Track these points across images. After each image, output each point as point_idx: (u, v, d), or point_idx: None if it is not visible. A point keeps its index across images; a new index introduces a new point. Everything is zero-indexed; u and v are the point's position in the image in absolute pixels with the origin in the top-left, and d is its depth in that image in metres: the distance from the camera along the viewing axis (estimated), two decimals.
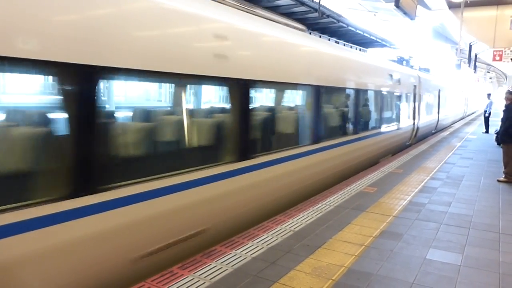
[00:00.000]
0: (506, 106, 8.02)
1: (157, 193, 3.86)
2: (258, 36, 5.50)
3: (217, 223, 4.71)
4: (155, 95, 6.22)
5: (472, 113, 41.29)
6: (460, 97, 28.68)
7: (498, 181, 7.76)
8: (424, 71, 17.79)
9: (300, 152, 6.34)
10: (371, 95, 9.78)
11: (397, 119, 12.13)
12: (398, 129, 12.23)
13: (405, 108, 12.81)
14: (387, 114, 11.00)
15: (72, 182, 3.14)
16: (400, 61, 15.10)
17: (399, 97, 12.12)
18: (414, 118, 13.95)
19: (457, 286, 3.46)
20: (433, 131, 18.70)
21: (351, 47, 11.31)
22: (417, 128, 14.62)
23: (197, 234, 4.37)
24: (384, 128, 10.80)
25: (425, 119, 16.05)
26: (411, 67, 15.78)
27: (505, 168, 7.91)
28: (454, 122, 25.94)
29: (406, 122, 12.97)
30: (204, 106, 5.52)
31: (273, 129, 6.18)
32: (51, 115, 3.24)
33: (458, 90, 27.46)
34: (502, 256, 4.13)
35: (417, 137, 15.01)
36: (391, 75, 11.03)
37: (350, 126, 8.65)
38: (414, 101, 13.89)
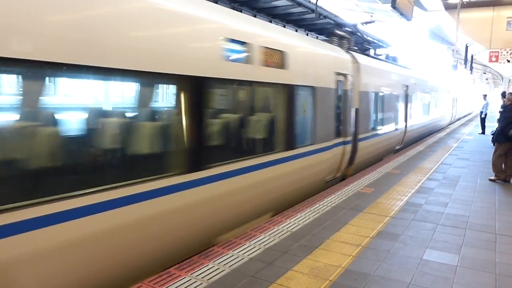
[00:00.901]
0: (505, 106, 8.07)
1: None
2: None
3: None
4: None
5: (464, 116, 34.83)
6: (446, 97, 21.98)
7: (490, 180, 7.95)
8: (388, 61, 12.64)
9: None
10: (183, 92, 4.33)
11: (280, 140, 5.98)
12: (288, 158, 6.07)
13: (314, 117, 6.89)
14: (249, 132, 5.52)
15: None
16: (327, 36, 9.55)
17: (286, 97, 6.02)
18: (344, 133, 8.14)
19: (454, 286, 3.47)
20: (397, 147, 12.78)
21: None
22: (355, 149, 8.75)
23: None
24: (242, 160, 5.09)
25: (376, 131, 10.31)
26: (365, 52, 10.80)
27: (493, 167, 8.07)
28: (435, 130, 19.67)
29: (317, 143, 6.96)
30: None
31: None
32: None
33: (442, 88, 20.65)
34: (498, 257, 4.15)
35: (359, 163, 9.17)
36: (246, 46, 5.14)
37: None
38: (344, 104, 8.16)
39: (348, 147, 8.40)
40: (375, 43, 12.60)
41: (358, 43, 10.83)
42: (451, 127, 21.74)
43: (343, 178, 8.46)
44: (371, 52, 12.69)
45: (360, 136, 9.03)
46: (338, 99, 7.95)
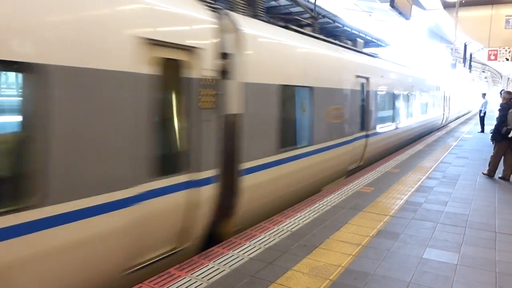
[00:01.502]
0: (501, 105, 8.17)
1: None
2: None
3: None
4: None
5: (462, 116, 32.07)
6: (435, 96, 18.29)
7: (483, 173, 8.26)
8: (332, 41, 8.42)
9: None
10: None
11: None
12: None
13: (41, 142, 2.89)
14: None
15: None
16: None
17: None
18: (191, 164, 4.25)
19: (454, 285, 3.47)
20: (352, 166, 8.91)
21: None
22: (234, 190, 4.95)
23: None
24: None
25: (294, 151, 6.21)
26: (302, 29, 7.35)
27: (489, 165, 8.19)
28: (419, 137, 15.65)
29: (57, 201, 2.98)
30: None
31: None
32: None
33: (428, 84, 16.95)
34: (498, 255, 4.15)
35: (257, 207, 5.49)
36: None
37: None
38: (187, 107, 4.24)
39: (207, 191, 4.41)
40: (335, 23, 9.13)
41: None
42: (450, 126, 21.68)
43: (217, 239, 4.73)
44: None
45: (250, 165, 5.10)
46: (164, 99, 4.05)
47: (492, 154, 8.17)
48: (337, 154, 7.84)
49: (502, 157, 8.04)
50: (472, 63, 25.30)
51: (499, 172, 8.05)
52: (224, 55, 4.75)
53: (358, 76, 8.80)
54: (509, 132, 7.66)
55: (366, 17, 18.13)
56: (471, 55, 23.29)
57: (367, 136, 9.40)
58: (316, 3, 8.22)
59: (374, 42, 11.98)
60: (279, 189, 5.96)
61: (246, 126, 5.02)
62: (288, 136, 6.11)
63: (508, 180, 7.84)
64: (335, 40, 8.82)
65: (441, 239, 4.58)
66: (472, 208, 5.83)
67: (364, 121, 9.27)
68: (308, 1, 8.14)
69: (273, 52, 5.80)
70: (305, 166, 6.56)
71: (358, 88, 8.87)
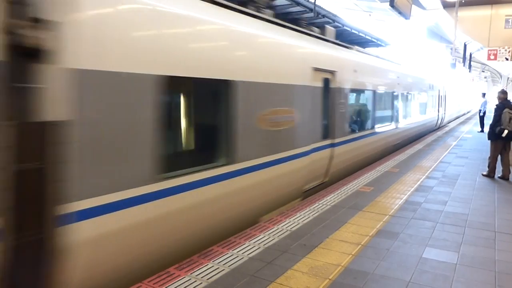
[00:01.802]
0: (497, 105, 8.27)
1: None
2: None
3: None
4: None
5: (462, 115, 30.82)
6: (428, 95, 16.71)
7: (483, 174, 8.22)
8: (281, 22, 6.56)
9: None
10: None
11: None
12: None
13: None
14: None
15: None
16: None
17: None
18: None
19: (453, 284, 3.47)
20: (310, 185, 6.95)
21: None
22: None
23: None
24: None
25: (191, 175, 4.19)
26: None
27: (488, 166, 8.21)
28: (410, 141, 14.30)
29: None
30: None
31: None
32: None
33: (419, 82, 15.29)
34: (498, 255, 4.16)
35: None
36: None
37: None
38: None
39: None
40: None
41: None
42: (450, 126, 21.66)
43: None
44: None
45: (92, 204, 3.22)
46: None
47: (490, 155, 8.20)
48: (282, 172, 5.87)
49: (499, 156, 8.09)
50: (471, 62, 25.29)
51: (498, 172, 8.07)
52: (37, 22, 2.87)
53: (317, 69, 6.85)
54: (503, 132, 7.71)
55: (366, 17, 18.12)
56: (470, 54, 23.28)
57: (333, 145, 7.49)
58: (316, 3, 8.20)
59: (374, 42, 11.98)
60: (167, 233, 3.97)
61: (81, 141, 3.11)
62: (181, 155, 4.43)
63: (507, 179, 7.85)
64: (290, 23, 7.00)
65: (441, 238, 4.58)
66: (472, 208, 5.83)
67: (329, 127, 7.43)
68: (308, 1, 8.12)
69: (151, 25, 3.76)
70: (220, 195, 4.63)
71: (318, 84, 6.93)
